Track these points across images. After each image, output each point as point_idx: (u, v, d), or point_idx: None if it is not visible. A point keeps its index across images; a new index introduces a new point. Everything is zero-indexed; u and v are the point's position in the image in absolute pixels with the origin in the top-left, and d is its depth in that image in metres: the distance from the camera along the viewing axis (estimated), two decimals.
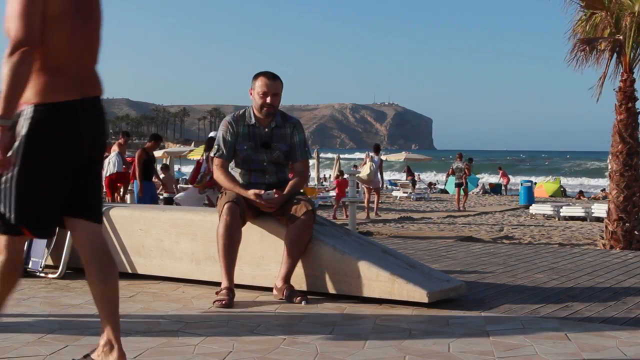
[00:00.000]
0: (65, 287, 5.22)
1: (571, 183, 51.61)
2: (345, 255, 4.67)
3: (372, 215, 17.81)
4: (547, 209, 20.33)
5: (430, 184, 39.10)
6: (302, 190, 5.18)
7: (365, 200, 17.91)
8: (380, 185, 18.88)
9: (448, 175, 26.62)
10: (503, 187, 36.46)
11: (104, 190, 14.68)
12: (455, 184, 22.55)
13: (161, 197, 17.27)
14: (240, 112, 5.07)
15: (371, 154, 18.18)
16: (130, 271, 5.56)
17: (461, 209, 21.76)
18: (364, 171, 17.61)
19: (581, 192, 34.42)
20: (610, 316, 4.31)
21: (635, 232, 10.74)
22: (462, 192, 22.41)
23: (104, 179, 14.68)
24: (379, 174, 17.88)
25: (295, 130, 5.04)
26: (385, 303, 4.56)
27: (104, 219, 5.58)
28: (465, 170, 22.53)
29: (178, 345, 3.57)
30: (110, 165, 14.78)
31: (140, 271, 5.54)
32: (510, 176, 40.50)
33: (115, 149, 15.14)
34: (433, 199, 29.01)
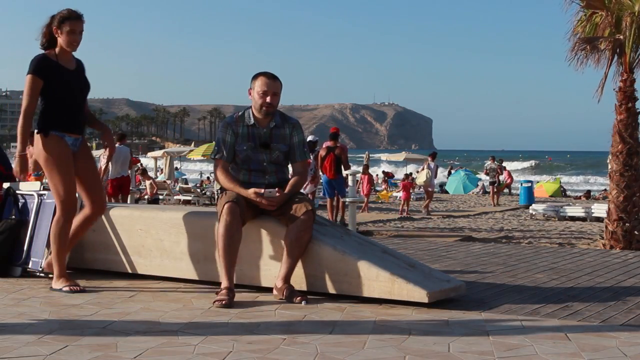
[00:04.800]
0: None
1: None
2: (345, 255, 4.67)
3: (423, 210, 19.79)
4: (547, 209, 20.33)
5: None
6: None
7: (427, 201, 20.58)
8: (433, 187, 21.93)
9: (449, 174, 28.34)
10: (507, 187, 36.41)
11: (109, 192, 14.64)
12: (490, 182, 25.84)
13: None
14: (240, 113, 5.08)
15: (429, 160, 21.10)
16: (130, 271, 5.56)
17: (495, 204, 24.33)
18: (422, 177, 20.56)
19: (588, 192, 34.31)
20: (610, 316, 4.31)
21: (635, 232, 10.73)
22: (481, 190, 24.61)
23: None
24: (434, 177, 20.85)
25: (294, 131, 5.05)
26: (385, 303, 4.56)
27: (104, 219, 5.60)
28: (498, 170, 26.15)
29: (178, 345, 3.57)
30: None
31: (140, 271, 5.54)
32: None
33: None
34: (433, 198, 28.97)
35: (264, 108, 4.92)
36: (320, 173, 14.31)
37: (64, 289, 5.03)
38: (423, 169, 20.97)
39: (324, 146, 14.31)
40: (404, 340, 3.68)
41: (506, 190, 33.09)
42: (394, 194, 27.61)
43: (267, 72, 4.99)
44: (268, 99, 4.90)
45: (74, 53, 5.21)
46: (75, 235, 5.31)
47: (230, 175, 4.97)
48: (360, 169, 22.84)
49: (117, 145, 14.72)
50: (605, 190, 32.85)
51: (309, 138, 14.79)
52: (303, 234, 4.71)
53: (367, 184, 20.95)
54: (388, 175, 37.43)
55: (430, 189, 20.47)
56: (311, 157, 13.85)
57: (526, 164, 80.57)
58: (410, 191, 21.54)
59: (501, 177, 27.55)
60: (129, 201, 15.22)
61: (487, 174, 26.76)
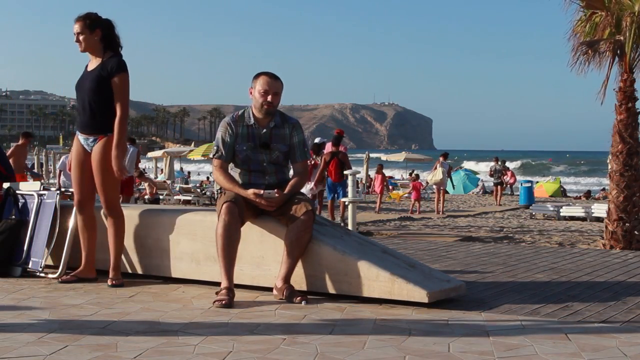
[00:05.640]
0: (66, 287, 5.22)
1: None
2: (345, 255, 4.67)
3: (440, 210, 20.29)
4: (547, 209, 20.34)
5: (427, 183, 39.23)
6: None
7: (436, 200, 20.96)
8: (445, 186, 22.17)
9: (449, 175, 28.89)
10: (509, 187, 36.46)
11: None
12: (494, 183, 26.88)
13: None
14: (240, 113, 5.07)
15: (441, 159, 21.29)
16: (130, 271, 5.56)
17: (500, 204, 25.36)
18: (437, 175, 20.50)
19: (588, 192, 34.34)
20: (610, 316, 4.31)
21: (635, 232, 10.73)
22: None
23: None
24: (446, 176, 21.02)
25: (294, 131, 5.04)
26: (385, 303, 4.56)
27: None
28: (503, 171, 27.21)
29: (178, 345, 3.57)
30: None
31: (140, 271, 5.54)
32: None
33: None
34: (433, 198, 29.02)
35: (265, 107, 4.91)
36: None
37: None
38: (436, 169, 21.14)
39: (326, 150, 15.01)
40: (404, 340, 3.68)
41: (508, 191, 33.18)
42: (406, 194, 28.44)
43: (268, 71, 4.99)
44: (269, 98, 4.90)
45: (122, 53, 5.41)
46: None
47: (229, 176, 4.97)
48: (360, 169, 22.98)
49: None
50: (603, 189, 32.93)
51: (316, 140, 15.43)
52: (303, 234, 4.71)
53: (380, 183, 21.03)
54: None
55: (442, 188, 20.65)
56: (318, 158, 14.57)
57: (513, 165, 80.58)
58: (421, 190, 22.13)
59: (505, 178, 28.33)
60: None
61: (491, 175, 27.54)
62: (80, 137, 5.38)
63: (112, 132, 5.25)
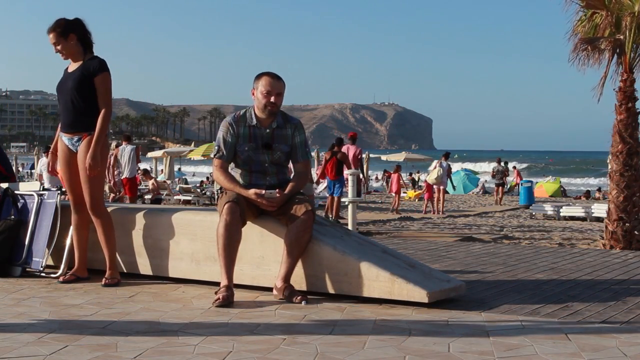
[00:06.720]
0: (65, 287, 5.22)
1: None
2: (345, 255, 4.67)
3: (439, 210, 20.61)
4: (547, 209, 20.35)
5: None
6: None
7: (435, 199, 21.06)
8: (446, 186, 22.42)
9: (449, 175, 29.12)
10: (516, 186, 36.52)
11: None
12: (496, 184, 27.26)
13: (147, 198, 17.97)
14: (241, 113, 5.05)
15: (442, 159, 21.60)
16: (130, 271, 5.56)
17: (501, 204, 25.81)
18: (433, 175, 21.03)
19: (588, 192, 34.36)
20: (610, 316, 4.31)
21: (635, 232, 10.73)
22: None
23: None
24: (446, 176, 21.28)
25: (296, 131, 5.04)
26: (385, 303, 4.56)
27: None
28: (505, 172, 27.57)
29: (178, 345, 3.57)
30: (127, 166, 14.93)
31: (140, 271, 5.54)
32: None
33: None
34: (433, 198, 29.00)
35: (268, 108, 4.91)
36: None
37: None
38: (435, 168, 21.39)
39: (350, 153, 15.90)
40: (404, 340, 3.68)
41: (514, 191, 33.22)
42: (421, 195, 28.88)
43: (270, 72, 4.98)
44: (272, 98, 4.89)
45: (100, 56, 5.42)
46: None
47: (230, 175, 4.96)
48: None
49: (123, 145, 15.16)
50: (599, 190, 32.95)
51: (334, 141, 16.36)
52: (303, 234, 4.70)
53: (397, 182, 21.18)
54: (388, 175, 37.57)
55: (442, 187, 20.80)
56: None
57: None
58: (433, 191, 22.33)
59: (509, 179, 28.67)
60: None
61: (493, 176, 27.92)
62: (64, 138, 5.41)
63: (95, 130, 5.27)
